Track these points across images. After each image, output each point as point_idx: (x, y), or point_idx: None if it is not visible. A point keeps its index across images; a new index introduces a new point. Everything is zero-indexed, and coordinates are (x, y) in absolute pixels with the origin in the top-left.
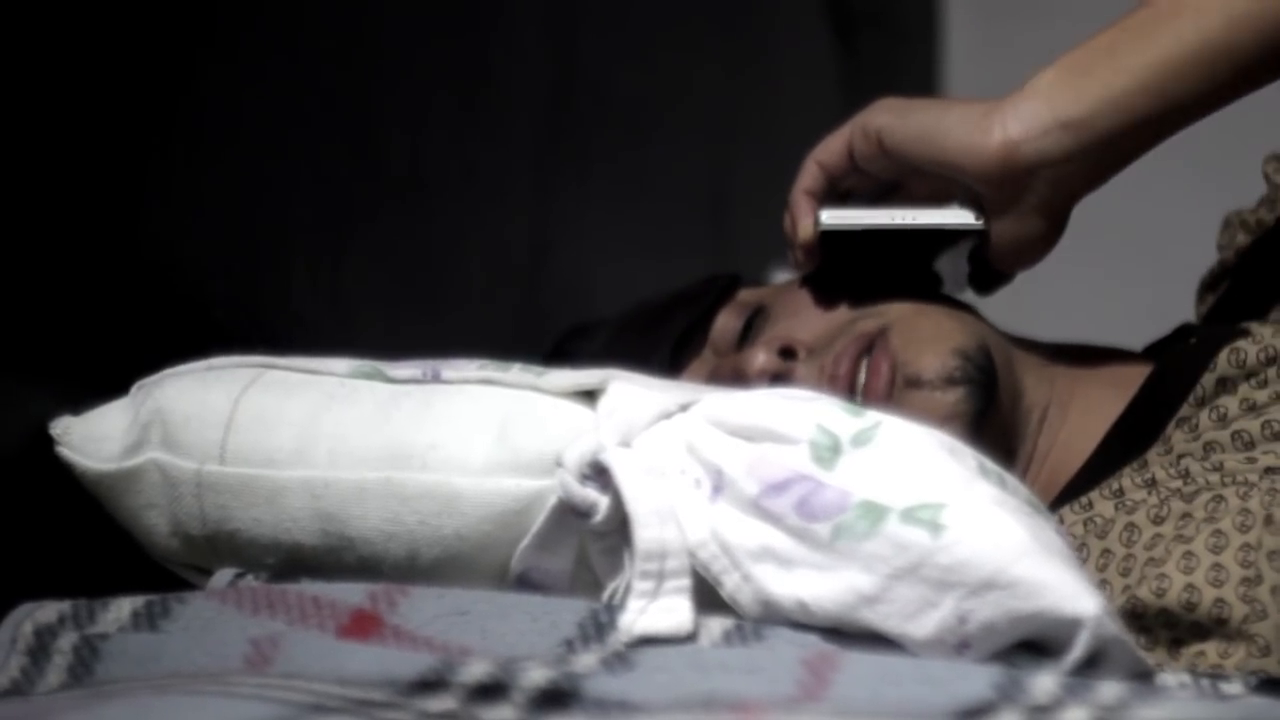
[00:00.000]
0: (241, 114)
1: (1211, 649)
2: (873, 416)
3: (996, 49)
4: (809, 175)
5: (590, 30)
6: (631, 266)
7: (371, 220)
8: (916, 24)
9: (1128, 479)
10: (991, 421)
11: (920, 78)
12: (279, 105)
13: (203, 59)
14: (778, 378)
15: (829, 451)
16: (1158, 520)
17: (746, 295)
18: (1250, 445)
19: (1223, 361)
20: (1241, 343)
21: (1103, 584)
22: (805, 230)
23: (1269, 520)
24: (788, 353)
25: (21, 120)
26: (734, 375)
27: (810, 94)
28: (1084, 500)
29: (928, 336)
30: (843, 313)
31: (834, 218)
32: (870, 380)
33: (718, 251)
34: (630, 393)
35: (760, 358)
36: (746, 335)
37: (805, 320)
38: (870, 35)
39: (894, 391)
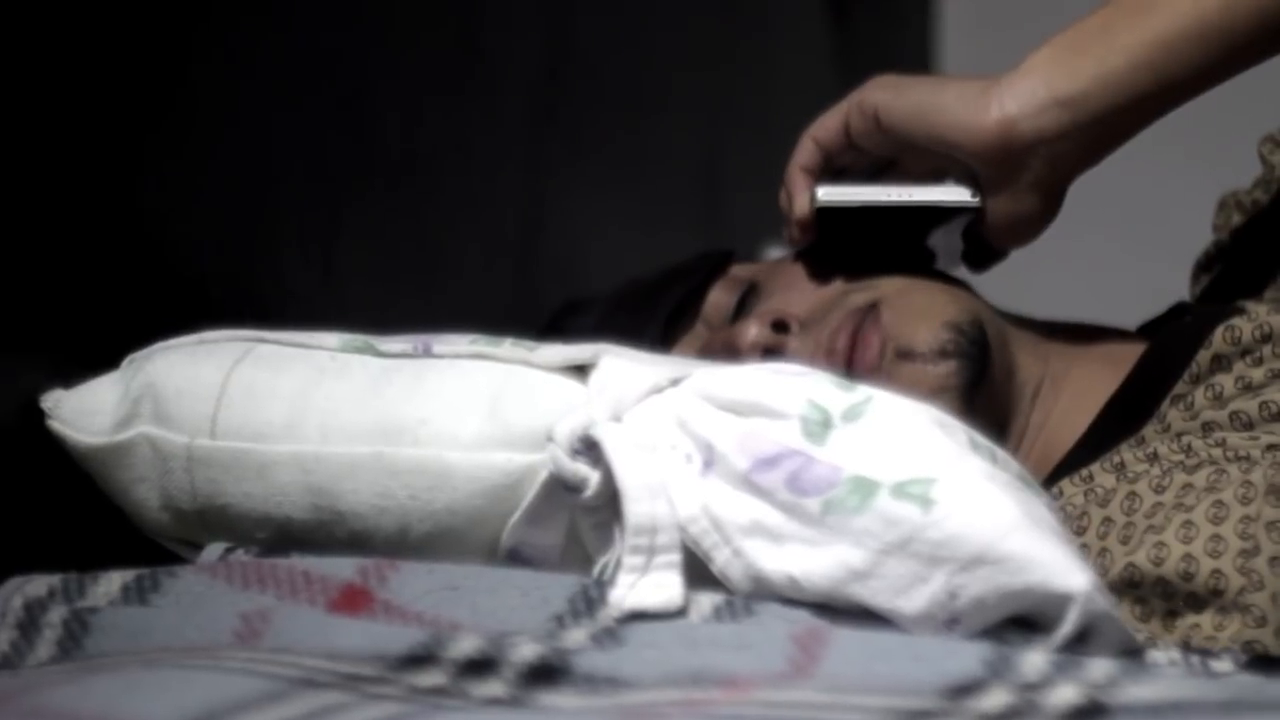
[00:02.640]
0: (235, 90)
1: (1206, 621)
2: (863, 391)
3: (991, 28)
4: (805, 151)
5: (583, 7)
6: (625, 244)
7: (364, 196)
8: (911, 2)
9: (1128, 454)
10: (984, 395)
11: (915, 56)
12: (273, 82)
13: (197, 36)
14: (770, 351)
15: (820, 426)
16: (1159, 489)
17: (739, 271)
18: (1249, 426)
19: (1218, 339)
20: (1237, 320)
21: (1103, 552)
22: (801, 206)
23: (1272, 490)
24: (780, 326)
25: (15, 97)
26: (726, 349)
27: (805, 72)
28: (1084, 473)
29: (920, 310)
30: (835, 287)
31: (830, 194)
32: (860, 353)
33: (711, 229)
34: (621, 367)
35: (752, 331)
36: (739, 310)
37: (798, 294)
38: (864, 13)
39: (884, 364)
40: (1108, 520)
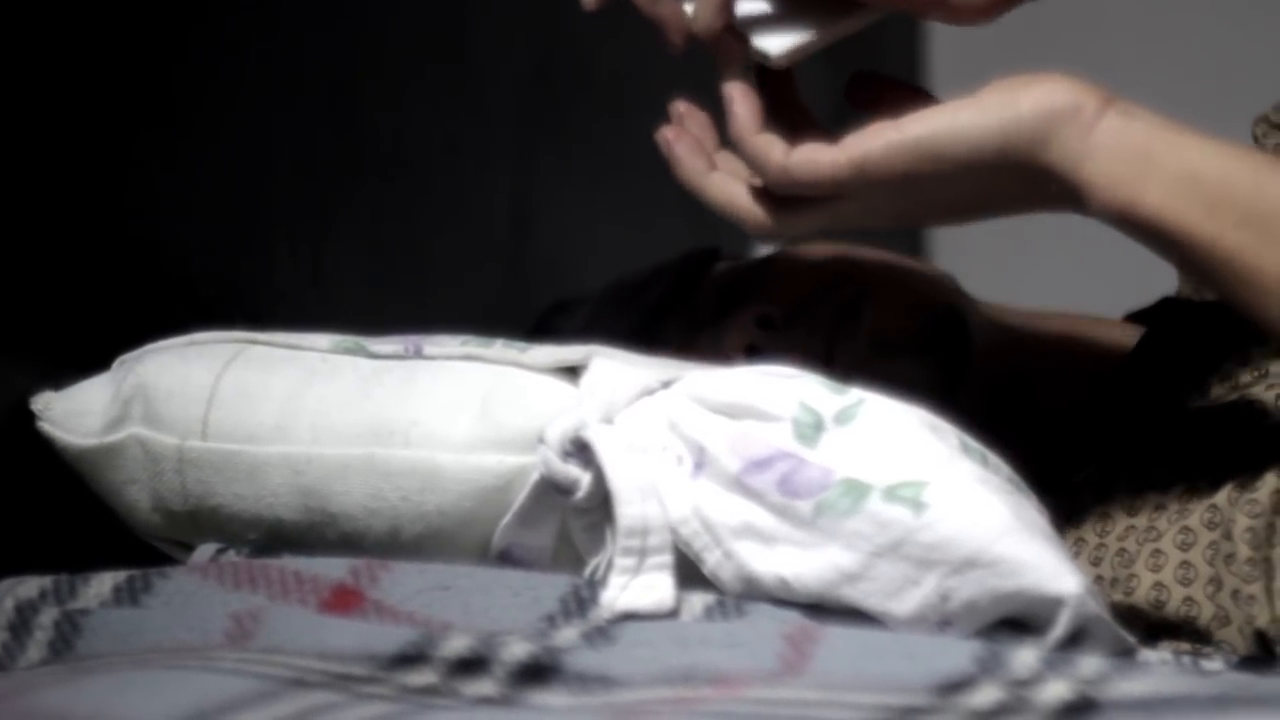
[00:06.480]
0: (224, 90)
1: (1185, 645)
2: (855, 394)
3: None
4: None
5: (571, 5)
6: (614, 240)
7: (353, 196)
8: None
9: (1109, 463)
10: (966, 390)
11: (903, 53)
12: (261, 81)
13: (186, 36)
14: (755, 349)
15: (811, 429)
16: (1132, 511)
17: (725, 268)
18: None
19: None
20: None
21: None
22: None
23: (1230, 522)
24: (764, 323)
25: (3, 98)
26: (712, 348)
27: (793, 67)
28: (1065, 486)
29: (903, 304)
30: (819, 282)
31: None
32: (841, 348)
33: (700, 225)
34: (613, 369)
35: (737, 330)
36: (725, 307)
37: (782, 290)
38: None
39: (865, 358)
40: (1080, 540)
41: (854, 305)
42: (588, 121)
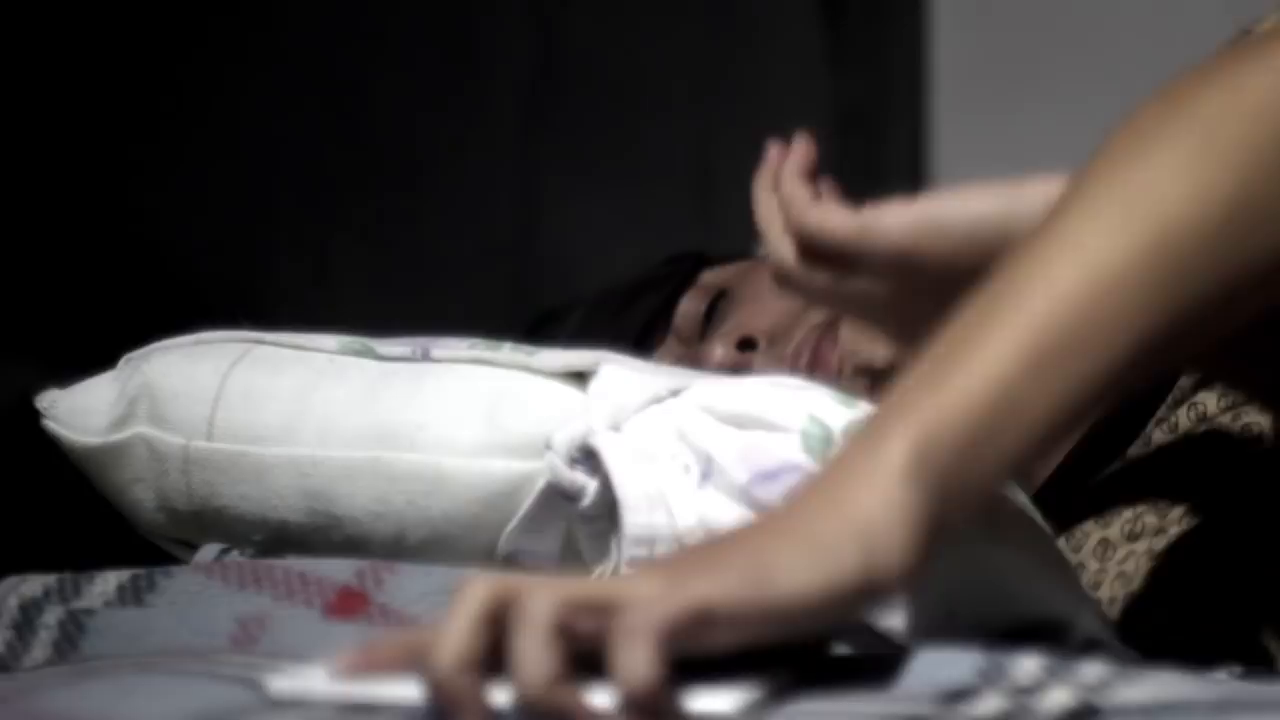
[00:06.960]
0: (229, 92)
1: None
2: (864, 407)
3: (983, 26)
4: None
5: (576, 8)
6: (618, 241)
7: (359, 196)
8: (904, 3)
9: (1108, 485)
10: None
11: (907, 57)
12: (267, 85)
13: (192, 38)
14: (737, 370)
15: (820, 441)
16: (1131, 537)
17: (710, 278)
18: None
19: None
20: None
21: None
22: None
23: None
24: (747, 344)
25: (11, 101)
26: (696, 367)
27: (796, 69)
28: (1065, 509)
29: None
30: (799, 301)
31: None
32: (818, 370)
33: (703, 225)
34: (621, 376)
35: (719, 352)
36: (710, 320)
37: (764, 307)
38: (857, 10)
39: (843, 379)
40: (1080, 566)
41: (829, 327)
42: (592, 123)
